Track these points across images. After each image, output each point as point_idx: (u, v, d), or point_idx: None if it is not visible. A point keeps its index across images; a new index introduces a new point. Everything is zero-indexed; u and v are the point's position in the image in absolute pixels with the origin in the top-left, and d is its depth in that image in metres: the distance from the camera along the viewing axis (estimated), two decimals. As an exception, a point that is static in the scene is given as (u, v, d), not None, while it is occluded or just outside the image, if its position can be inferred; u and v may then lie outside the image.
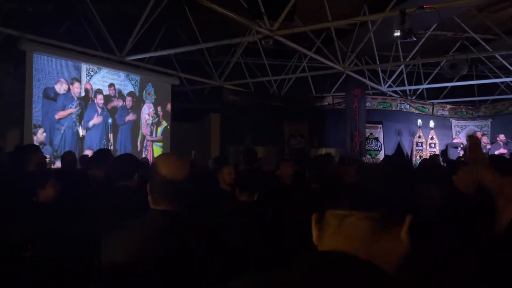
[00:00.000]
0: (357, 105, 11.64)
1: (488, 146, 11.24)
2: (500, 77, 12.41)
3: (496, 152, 10.21)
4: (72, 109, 8.57)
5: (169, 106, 11.08)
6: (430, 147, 12.74)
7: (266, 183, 3.81)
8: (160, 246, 1.51)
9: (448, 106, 14.12)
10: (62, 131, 8.38)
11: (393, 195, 0.93)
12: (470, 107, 14.22)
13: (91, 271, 1.57)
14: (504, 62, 11.23)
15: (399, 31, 7.25)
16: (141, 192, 1.84)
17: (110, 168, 3.46)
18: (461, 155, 10.64)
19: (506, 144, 10.55)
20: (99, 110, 9.18)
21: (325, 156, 4.43)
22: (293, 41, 9.15)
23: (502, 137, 10.73)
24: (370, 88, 13.03)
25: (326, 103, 13.12)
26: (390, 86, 12.97)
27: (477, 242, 2.01)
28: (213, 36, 9.35)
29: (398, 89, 13.38)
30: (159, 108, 10.82)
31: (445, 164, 7.97)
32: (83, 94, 8.84)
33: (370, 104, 12.56)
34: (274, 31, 8.15)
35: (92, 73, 9.13)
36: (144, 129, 10.44)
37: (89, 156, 6.16)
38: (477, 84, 13.30)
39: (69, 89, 8.55)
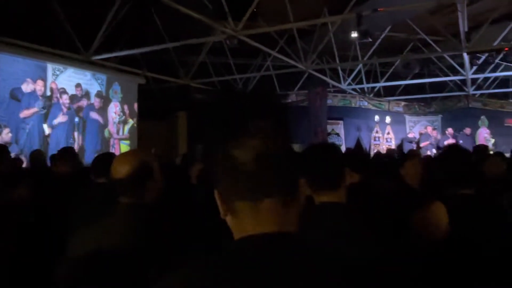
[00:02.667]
0: (319, 102, 12.13)
1: (439, 137, 12.07)
2: (449, 76, 13.29)
3: (445, 142, 11.04)
4: (36, 108, 8.55)
5: (136, 104, 11.18)
6: (387, 141, 13.44)
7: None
8: (123, 238, 1.55)
9: (403, 103, 14.88)
10: (27, 130, 8.37)
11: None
12: (422, 104, 15.03)
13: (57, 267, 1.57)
14: (452, 62, 12.05)
15: (356, 32, 7.75)
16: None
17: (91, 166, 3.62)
18: (414, 149, 11.35)
19: (454, 136, 11.38)
20: (65, 109, 9.18)
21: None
22: (257, 40, 9.49)
23: (450, 130, 11.61)
24: (331, 86, 13.57)
25: (290, 100, 13.57)
26: (349, 84, 13.59)
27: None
28: (179, 35, 9.56)
29: (357, 87, 14.01)
30: (125, 107, 10.90)
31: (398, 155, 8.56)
32: (48, 93, 8.84)
33: (331, 101, 13.08)
34: (238, 31, 8.48)
35: (58, 72, 9.13)
36: (111, 128, 10.51)
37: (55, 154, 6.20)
38: (429, 82, 14.17)
39: (34, 89, 8.53)
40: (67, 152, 3.92)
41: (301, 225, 0.93)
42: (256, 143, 0.92)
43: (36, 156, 5.50)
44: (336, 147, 1.84)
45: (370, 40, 8.06)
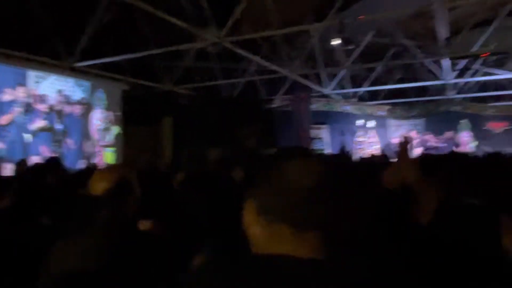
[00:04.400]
0: (303, 107, 12.22)
1: (422, 140, 12.28)
2: (431, 80, 13.52)
3: (428, 144, 11.27)
4: (16, 112, 8.42)
5: (120, 111, 11.11)
6: (370, 145, 13.60)
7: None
8: (100, 255, 1.54)
9: (386, 107, 15.06)
10: (8, 138, 8.25)
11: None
12: (405, 108, 15.28)
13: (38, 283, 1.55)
14: (433, 67, 12.26)
15: (339, 39, 7.85)
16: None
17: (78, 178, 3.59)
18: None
19: (435, 140, 11.59)
20: (44, 116, 9.08)
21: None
22: (241, 46, 9.53)
23: (430, 135, 11.84)
24: (314, 91, 13.68)
25: (274, 105, 13.63)
26: (333, 89, 13.73)
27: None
28: (163, 41, 9.54)
29: (340, 91, 14.16)
30: (110, 113, 10.82)
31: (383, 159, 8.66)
32: (30, 100, 8.74)
33: (315, 106, 13.18)
34: (222, 37, 8.50)
35: (40, 79, 9.04)
36: (95, 135, 10.42)
37: (41, 163, 6.16)
38: (411, 87, 14.38)
39: (15, 96, 8.42)
40: (53, 162, 3.89)
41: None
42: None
43: (21, 165, 5.42)
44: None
45: (353, 47, 8.16)
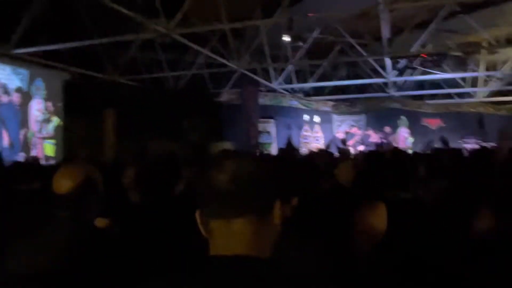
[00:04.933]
0: (251, 101, 12.31)
1: (363, 135, 12.80)
2: (372, 78, 14.12)
3: (369, 140, 11.80)
4: None
5: (60, 101, 10.62)
6: (316, 139, 13.98)
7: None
8: (66, 253, 1.54)
9: (330, 103, 15.52)
10: None
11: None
12: (348, 104, 15.81)
13: None
14: (375, 65, 12.79)
15: (287, 36, 7.99)
16: (44, 196, 1.89)
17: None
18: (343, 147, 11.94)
19: (376, 135, 12.14)
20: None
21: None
22: (189, 38, 9.42)
23: (371, 131, 12.38)
24: (262, 85, 13.82)
25: (222, 99, 13.61)
26: (280, 84, 13.95)
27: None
28: (108, 30, 9.22)
29: (287, 86, 14.39)
30: (49, 104, 10.32)
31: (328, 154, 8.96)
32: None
33: (263, 100, 13.31)
34: (171, 29, 8.37)
35: (-28, 66, 8.47)
36: (34, 126, 9.91)
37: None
38: (354, 84, 14.93)
39: None
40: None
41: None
42: (233, 164, 0.93)
43: None
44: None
45: (301, 44, 8.34)
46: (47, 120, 10.29)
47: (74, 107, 10.93)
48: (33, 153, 9.60)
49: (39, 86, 10.07)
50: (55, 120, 10.49)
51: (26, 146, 9.60)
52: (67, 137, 10.65)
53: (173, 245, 2.14)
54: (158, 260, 1.90)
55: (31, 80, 9.83)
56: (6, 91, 9.19)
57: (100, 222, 1.98)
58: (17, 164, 4.09)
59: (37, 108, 10.00)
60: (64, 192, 1.64)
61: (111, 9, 7.45)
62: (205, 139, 12.40)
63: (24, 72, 9.66)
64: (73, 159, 6.18)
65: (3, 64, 9.08)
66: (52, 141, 10.37)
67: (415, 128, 14.54)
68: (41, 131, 10.11)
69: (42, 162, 8.34)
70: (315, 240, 1.66)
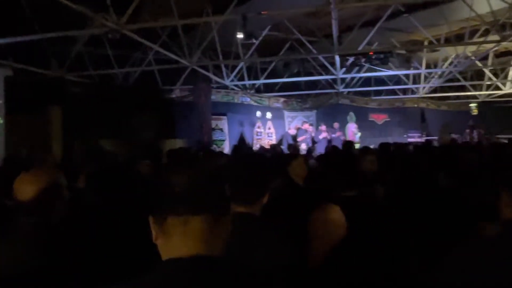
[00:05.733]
0: (204, 98, 12.23)
1: (313, 132, 13.07)
2: (322, 75, 14.48)
3: (320, 137, 12.07)
4: None
5: (1, 98, 10.05)
6: (268, 136, 14.12)
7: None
8: (28, 259, 1.51)
9: (282, 99, 15.74)
10: None
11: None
12: (299, 100, 16.11)
13: None
14: (324, 62, 13.12)
15: (241, 33, 8.02)
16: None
17: None
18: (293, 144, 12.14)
19: (327, 132, 12.44)
20: None
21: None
22: (139, 34, 9.22)
23: (323, 127, 12.68)
24: (214, 82, 13.77)
25: (174, 96, 13.43)
26: (232, 81, 13.97)
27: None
28: (52, 24, 8.82)
29: (239, 83, 14.45)
30: (-11, 101, 9.76)
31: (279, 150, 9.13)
32: None
33: (215, 97, 13.26)
34: (121, 25, 8.16)
35: None
36: (-28, 125, 9.34)
37: None
38: (305, 80, 15.23)
39: None
40: None
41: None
42: (191, 171, 1.00)
43: None
44: (261, 162, 1.93)
45: (255, 41, 8.40)
46: (-14, 119, 9.71)
47: (17, 104, 10.39)
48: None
49: (-22, 82, 9.49)
50: (-4, 119, 9.92)
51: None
52: (10, 135, 10.10)
53: (130, 247, 2.14)
54: (119, 262, 1.91)
55: (-31, 77, 9.25)
56: None
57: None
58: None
59: (-25, 106, 9.42)
60: (27, 199, 1.59)
61: (58, 2, 7.15)
62: (157, 136, 12.19)
63: (-39, 67, 9.07)
64: (15, 160, 5.91)
65: None
66: (-7, 140, 9.80)
67: (362, 123, 15.06)
68: (-20, 130, 9.53)
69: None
70: (272, 237, 1.67)
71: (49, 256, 1.54)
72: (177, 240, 0.93)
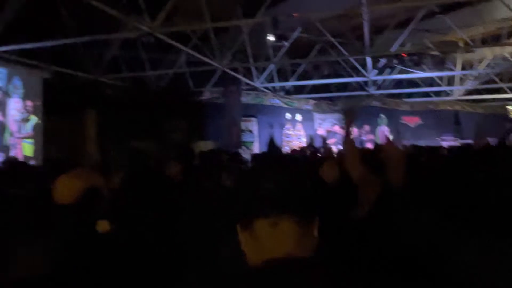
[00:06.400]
0: (233, 100, 12.32)
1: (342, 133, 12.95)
2: (353, 76, 14.31)
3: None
4: None
5: (40, 100, 10.43)
6: (298, 138, 14.09)
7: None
8: (70, 260, 1.52)
9: (312, 101, 15.67)
10: None
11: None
12: (329, 102, 16.00)
13: None
14: (356, 63, 12.97)
15: (272, 35, 8.04)
16: (36, 201, 1.83)
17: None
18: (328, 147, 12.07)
19: (357, 134, 12.32)
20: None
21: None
22: (171, 36, 9.38)
23: (354, 129, 12.53)
24: (244, 84, 13.85)
25: (204, 98, 13.58)
26: (262, 82, 14.01)
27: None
28: (89, 28, 9.09)
29: (269, 85, 14.48)
30: (28, 103, 10.12)
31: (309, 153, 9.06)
32: None
33: (245, 99, 13.33)
34: (154, 28, 8.32)
35: (-52, 64, 8.24)
36: (12, 126, 9.71)
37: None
38: (335, 82, 15.10)
39: None
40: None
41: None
42: (277, 173, 1.00)
43: None
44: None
45: (285, 43, 8.41)
46: (25, 120, 10.09)
47: (54, 107, 10.76)
48: (12, 153, 9.42)
49: (17, 85, 9.86)
50: (34, 119, 10.29)
51: (5, 147, 9.40)
52: (47, 137, 10.46)
53: (161, 248, 2.16)
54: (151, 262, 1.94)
55: (9, 79, 9.63)
56: (-16, 90, 8.99)
57: (101, 226, 1.99)
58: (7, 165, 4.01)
59: (15, 107, 9.79)
60: (67, 200, 1.61)
61: (93, 7, 7.36)
62: (187, 138, 12.36)
63: (3, 71, 9.45)
64: (56, 161, 6.11)
65: (-20, 63, 8.87)
66: (31, 141, 10.17)
67: (394, 126, 14.82)
68: (20, 131, 9.91)
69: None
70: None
71: (89, 257, 1.57)
72: (267, 243, 0.93)
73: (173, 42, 9.50)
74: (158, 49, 12.21)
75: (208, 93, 13.63)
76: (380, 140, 13.17)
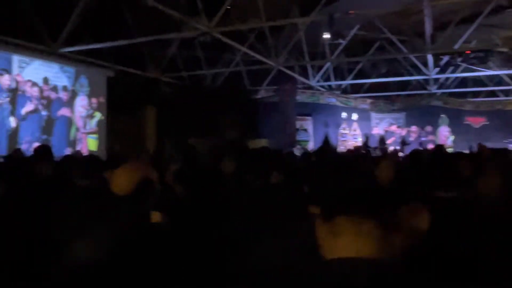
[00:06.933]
0: (288, 98, 12.31)
1: (403, 133, 12.55)
2: (413, 75, 13.79)
3: (410, 139, 11.56)
4: (1, 100, 8.28)
5: (104, 98, 10.99)
6: (353, 138, 13.83)
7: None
8: (129, 249, 1.57)
9: (369, 100, 15.30)
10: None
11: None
12: (387, 101, 15.54)
13: (51, 272, 1.58)
14: (416, 61, 12.50)
15: (328, 33, 7.93)
16: (102, 192, 1.91)
17: (68, 167, 3.57)
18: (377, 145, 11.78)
19: (417, 134, 11.87)
20: (32, 100, 8.95)
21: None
22: (227, 36, 9.52)
23: (414, 128, 12.11)
24: (300, 83, 13.80)
25: (259, 96, 13.68)
26: (318, 81, 13.87)
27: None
28: (149, 28, 9.44)
29: (325, 84, 14.32)
30: (93, 100, 10.70)
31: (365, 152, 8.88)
32: (13, 86, 8.58)
33: (300, 98, 13.28)
34: (212, 27, 8.49)
35: (24, 64, 8.87)
36: (78, 122, 10.30)
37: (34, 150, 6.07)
38: (393, 80, 14.64)
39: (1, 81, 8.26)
40: (46, 151, 3.85)
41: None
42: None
43: (16, 154, 5.35)
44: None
45: (342, 41, 8.27)
46: (90, 116, 10.66)
47: (117, 103, 11.28)
48: (78, 148, 9.99)
49: (83, 83, 10.45)
50: (98, 115, 10.85)
51: (72, 141, 9.99)
52: (110, 132, 11.01)
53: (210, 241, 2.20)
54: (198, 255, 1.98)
55: (77, 78, 10.22)
56: (55, 89, 9.59)
57: (154, 217, 2.07)
58: (69, 158, 4.26)
59: (81, 104, 10.38)
60: (122, 193, 1.69)
61: (153, 8, 7.64)
62: (241, 136, 12.50)
63: (71, 70, 10.05)
64: (118, 155, 6.41)
65: (51, 62, 9.47)
66: (95, 136, 10.74)
67: (456, 126, 14.12)
68: (85, 127, 10.49)
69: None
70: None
71: (141, 246, 1.62)
72: (346, 240, 0.93)
73: (230, 41, 9.64)
74: (215, 48, 12.45)
75: (263, 92, 13.71)
76: (440, 141, 12.63)
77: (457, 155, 5.13)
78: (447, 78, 14.91)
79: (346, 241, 0.92)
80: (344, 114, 13.69)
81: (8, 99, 8.42)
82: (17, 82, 8.67)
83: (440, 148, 6.84)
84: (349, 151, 8.75)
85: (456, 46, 10.53)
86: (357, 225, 0.92)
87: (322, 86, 14.58)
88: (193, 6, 8.20)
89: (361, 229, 0.92)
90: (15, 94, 8.59)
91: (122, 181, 1.72)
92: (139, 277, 1.56)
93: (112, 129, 11.11)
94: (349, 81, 14.34)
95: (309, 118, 13.36)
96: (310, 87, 14.16)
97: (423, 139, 11.69)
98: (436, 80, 14.57)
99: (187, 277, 1.75)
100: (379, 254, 0.91)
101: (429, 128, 12.41)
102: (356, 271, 0.88)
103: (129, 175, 1.74)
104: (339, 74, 14.90)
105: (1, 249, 2.35)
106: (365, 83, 15.13)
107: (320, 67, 13.70)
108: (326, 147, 10.77)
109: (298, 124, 12.79)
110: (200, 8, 8.09)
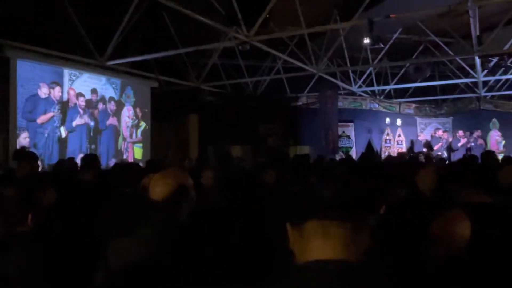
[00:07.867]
0: (330, 104, 12.20)
1: (450, 139, 12.09)
2: (460, 78, 13.27)
3: (458, 145, 11.11)
4: (53, 113, 8.73)
5: (148, 107, 11.35)
6: (398, 144, 13.47)
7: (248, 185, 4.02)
8: (160, 252, 1.59)
9: (413, 105, 14.87)
10: (45, 135, 8.55)
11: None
12: (433, 106, 15.03)
13: (97, 275, 1.62)
14: (462, 63, 12.05)
15: (368, 38, 7.81)
16: (141, 198, 1.95)
17: (114, 174, 3.73)
18: (424, 151, 11.41)
19: (466, 139, 11.40)
20: (81, 112, 9.37)
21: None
22: (267, 43, 9.58)
23: (461, 132, 11.64)
24: (341, 88, 13.64)
25: (300, 103, 13.64)
26: (360, 86, 13.65)
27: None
28: (191, 39, 9.67)
29: (367, 89, 14.06)
30: (138, 110, 11.07)
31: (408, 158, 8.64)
32: (65, 98, 9.03)
33: (341, 104, 13.13)
34: (250, 36, 8.57)
35: (74, 77, 9.32)
36: (125, 132, 10.68)
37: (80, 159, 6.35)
38: (439, 84, 14.17)
39: (49, 93, 8.70)
40: (92, 160, 4.04)
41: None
42: (337, 180, 1.04)
43: (68, 163, 5.59)
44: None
45: (382, 46, 8.11)
46: (136, 126, 11.03)
47: (161, 113, 11.62)
48: (124, 157, 10.35)
49: (129, 94, 10.84)
50: (143, 125, 11.21)
51: (119, 151, 10.37)
52: (154, 141, 11.34)
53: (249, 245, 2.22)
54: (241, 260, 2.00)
55: (123, 89, 10.62)
56: (103, 100, 10.01)
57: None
58: (116, 167, 4.42)
59: (127, 114, 10.77)
60: (159, 198, 1.77)
61: (195, 19, 7.84)
62: (282, 143, 12.52)
63: (117, 81, 10.46)
64: (157, 162, 6.59)
65: (99, 74, 9.90)
66: (140, 144, 11.09)
67: (508, 130, 13.43)
68: (131, 136, 10.86)
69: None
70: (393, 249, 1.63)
71: (177, 252, 1.66)
72: (316, 244, 0.95)
73: (270, 50, 9.70)
74: (255, 56, 12.57)
75: (304, 98, 13.66)
76: (491, 146, 12.08)
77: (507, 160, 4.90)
78: (497, 81, 14.24)
79: (315, 245, 0.94)
80: (387, 120, 13.37)
81: (59, 110, 8.86)
82: (68, 94, 9.12)
83: (488, 154, 6.55)
84: (390, 157, 8.53)
85: (506, 47, 10.08)
86: (324, 228, 0.94)
87: (365, 92, 14.33)
88: (233, 16, 8.32)
89: (329, 231, 0.94)
90: (65, 106, 9.04)
91: (157, 188, 1.80)
92: (179, 277, 1.62)
93: (156, 137, 11.44)
94: (392, 86, 13.99)
95: (351, 124, 13.17)
96: (352, 93, 13.97)
97: (472, 144, 11.21)
98: (485, 83, 13.95)
99: (222, 282, 1.79)
100: (348, 256, 0.92)
101: (478, 133, 11.87)
102: (325, 273, 0.89)
103: (164, 182, 1.82)
104: (382, 79, 14.60)
105: (55, 252, 2.45)
106: (409, 88, 14.72)
107: (362, 73, 13.49)
108: (369, 153, 10.58)
109: (340, 130, 12.63)
110: (239, 17, 8.19)
